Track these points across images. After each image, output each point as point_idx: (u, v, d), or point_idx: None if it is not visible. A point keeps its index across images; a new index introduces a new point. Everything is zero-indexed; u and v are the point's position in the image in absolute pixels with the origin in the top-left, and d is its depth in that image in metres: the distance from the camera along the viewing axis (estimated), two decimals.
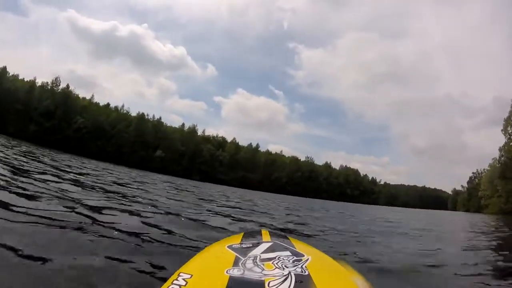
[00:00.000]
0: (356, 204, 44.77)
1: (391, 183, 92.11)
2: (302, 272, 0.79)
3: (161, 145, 54.31)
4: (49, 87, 50.62)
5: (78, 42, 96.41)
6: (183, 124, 62.31)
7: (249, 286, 0.71)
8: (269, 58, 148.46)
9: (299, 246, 1.15)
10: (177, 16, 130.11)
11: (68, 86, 51.53)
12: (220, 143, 64.82)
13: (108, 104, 56.67)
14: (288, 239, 1.27)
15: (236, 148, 64.75)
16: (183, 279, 0.72)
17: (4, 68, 50.22)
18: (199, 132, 62.82)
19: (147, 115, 57.76)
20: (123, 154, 49.65)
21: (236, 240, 1.17)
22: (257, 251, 0.99)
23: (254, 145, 67.38)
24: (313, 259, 0.94)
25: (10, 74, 50.79)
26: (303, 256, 0.96)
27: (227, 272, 0.77)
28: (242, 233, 1.34)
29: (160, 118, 59.24)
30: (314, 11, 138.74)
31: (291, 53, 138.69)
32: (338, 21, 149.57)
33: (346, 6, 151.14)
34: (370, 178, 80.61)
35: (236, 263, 0.86)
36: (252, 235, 1.31)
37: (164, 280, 0.75)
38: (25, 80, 51.31)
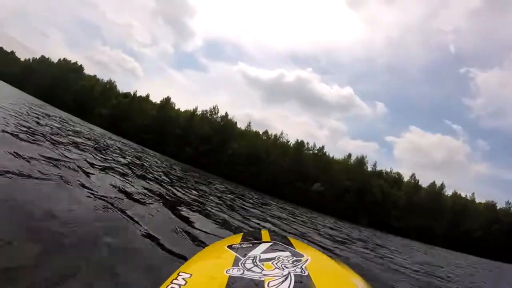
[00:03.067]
0: None
1: None
2: (301, 272, 0.79)
3: (321, 177, 44.32)
4: (208, 114, 51.53)
5: (251, 90, 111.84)
6: (349, 155, 50.19)
7: (248, 286, 0.71)
8: (439, 89, 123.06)
9: (299, 246, 1.15)
10: (339, 58, 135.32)
11: (226, 114, 51.29)
12: (395, 180, 49.05)
13: (266, 132, 52.61)
14: (288, 239, 1.27)
15: (415, 188, 47.87)
16: (183, 278, 0.73)
17: (169, 98, 55.14)
18: (369, 167, 49.03)
19: (307, 143, 50.03)
20: (277, 184, 42.58)
21: (236, 240, 1.18)
22: (257, 251, 0.99)
23: (436, 185, 48.81)
24: (313, 259, 0.93)
25: (176, 107, 55.68)
26: (303, 256, 0.95)
27: (226, 272, 0.77)
28: (242, 233, 1.33)
29: (323, 147, 50.03)
30: (478, 25, 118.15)
31: (463, 79, 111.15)
32: (509, 28, 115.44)
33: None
34: None
35: (235, 263, 0.86)
36: (252, 235, 1.30)
37: (164, 279, 0.74)
38: (188, 109, 55.25)
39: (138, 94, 57.28)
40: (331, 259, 1.03)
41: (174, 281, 0.71)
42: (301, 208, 22.02)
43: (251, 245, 1.08)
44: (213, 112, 52.23)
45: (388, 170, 50.86)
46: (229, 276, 0.75)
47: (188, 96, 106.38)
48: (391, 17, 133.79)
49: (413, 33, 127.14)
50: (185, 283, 0.71)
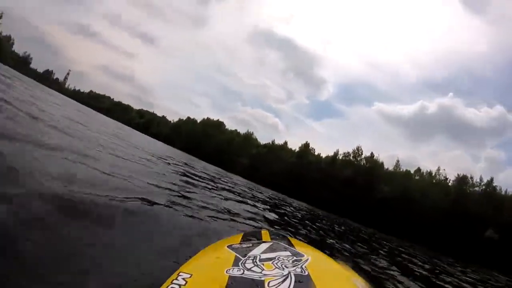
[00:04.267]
0: None
1: None
2: (301, 272, 0.80)
3: (493, 221, 37.99)
4: (351, 157, 50.26)
5: (392, 128, 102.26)
6: None
7: (248, 286, 0.71)
8: None
9: (299, 246, 1.16)
10: (479, 72, 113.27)
11: (372, 154, 48.95)
12: None
13: (418, 169, 47.60)
14: (288, 239, 1.28)
15: None
16: (183, 278, 0.73)
17: (307, 144, 56.66)
18: None
19: (471, 177, 42.75)
20: (437, 233, 37.71)
21: (236, 240, 1.18)
22: (257, 251, 1.00)
23: None
24: (313, 259, 0.94)
25: (315, 152, 56.39)
26: (303, 256, 0.96)
27: (226, 272, 0.78)
28: (242, 233, 1.32)
29: (491, 180, 39.63)
30: None
31: None
32: None
33: None
34: None
35: (235, 263, 0.86)
36: (252, 235, 1.30)
37: (164, 279, 0.74)
38: (328, 155, 54.63)
39: (276, 143, 58.75)
40: (331, 259, 1.05)
41: (174, 281, 0.71)
42: (471, 265, 17.08)
43: (251, 245, 1.08)
44: (356, 154, 48.52)
45: None
46: (229, 276, 0.75)
47: (328, 143, 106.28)
48: None
49: None
50: (185, 283, 0.71)
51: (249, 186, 16.15)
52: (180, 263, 0.91)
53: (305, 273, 0.80)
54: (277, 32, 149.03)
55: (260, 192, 12.91)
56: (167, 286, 0.70)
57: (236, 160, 55.52)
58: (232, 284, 0.71)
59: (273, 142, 60.19)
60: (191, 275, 0.76)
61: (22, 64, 68.02)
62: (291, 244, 1.15)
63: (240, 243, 1.12)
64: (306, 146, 55.88)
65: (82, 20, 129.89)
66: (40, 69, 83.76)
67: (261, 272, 0.79)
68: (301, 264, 0.86)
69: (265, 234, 1.33)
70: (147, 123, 77.61)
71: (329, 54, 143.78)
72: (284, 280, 0.74)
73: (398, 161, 47.69)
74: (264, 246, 1.07)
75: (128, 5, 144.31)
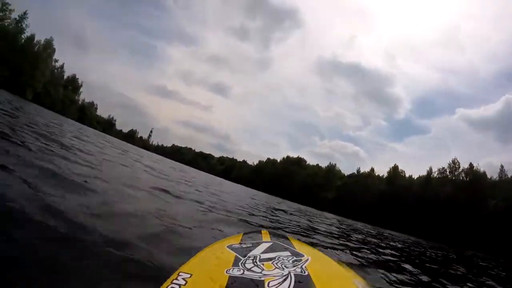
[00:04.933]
0: None
1: None
2: (301, 272, 0.79)
3: None
4: (447, 172, 43.38)
5: (481, 134, 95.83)
6: None
7: (248, 286, 0.71)
8: None
9: (299, 246, 1.15)
10: None
11: (471, 165, 41.51)
12: None
13: None
14: (288, 239, 1.27)
15: None
16: (183, 278, 0.73)
17: (396, 167, 51.02)
18: None
19: None
20: None
21: (236, 240, 1.17)
22: (257, 251, 0.99)
23: None
24: (313, 259, 0.93)
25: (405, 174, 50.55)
26: (303, 256, 0.96)
27: (226, 272, 0.78)
28: (242, 233, 1.32)
29: None
30: None
31: None
32: None
33: None
34: None
35: (235, 263, 0.86)
36: (252, 235, 1.30)
37: (164, 279, 0.74)
38: (420, 175, 48.39)
39: (361, 171, 55.49)
40: (332, 259, 1.03)
41: (174, 281, 0.71)
42: None
43: (251, 245, 1.07)
44: (453, 168, 42.70)
45: None
46: (229, 276, 0.75)
47: (417, 163, 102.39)
48: None
49: None
50: (185, 283, 0.70)
51: (340, 222, 15.06)
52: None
53: (305, 273, 0.79)
54: (342, 58, 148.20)
55: (352, 229, 11.78)
56: (167, 286, 0.69)
57: (321, 195, 52.97)
58: (232, 284, 0.71)
59: (358, 170, 56.56)
60: (191, 275, 0.75)
61: (108, 126, 76.44)
62: (291, 244, 1.14)
63: (240, 243, 1.11)
64: (394, 169, 50.94)
65: (158, 81, 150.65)
66: (125, 130, 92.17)
67: (261, 272, 0.78)
68: (301, 264, 0.86)
69: (265, 234, 1.32)
70: (228, 168, 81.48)
71: (397, 69, 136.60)
72: (284, 280, 0.73)
73: (502, 166, 39.15)
74: (264, 246, 1.06)
75: (195, 63, 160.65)
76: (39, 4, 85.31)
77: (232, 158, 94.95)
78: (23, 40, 45.23)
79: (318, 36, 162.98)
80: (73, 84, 60.75)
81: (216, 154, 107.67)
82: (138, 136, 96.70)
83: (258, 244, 1.09)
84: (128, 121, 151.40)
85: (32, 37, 46.54)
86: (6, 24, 43.21)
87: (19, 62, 42.35)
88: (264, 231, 1.41)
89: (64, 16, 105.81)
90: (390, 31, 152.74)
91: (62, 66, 56.15)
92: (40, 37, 48.15)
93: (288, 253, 0.98)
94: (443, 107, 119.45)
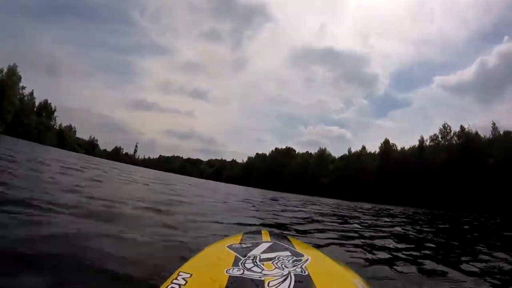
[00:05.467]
0: None
1: None
2: (301, 272, 0.80)
3: None
4: (440, 138, 42.67)
5: (460, 99, 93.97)
6: None
7: (248, 286, 0.71)
8: None
9: (299, 246, 1.15)
10: None
11: (462, 127, 40.81)
12: None
13: None
14: (288, 239, 1.27)
15: None
16: (183, 278, 0.73)
17: (387, 140, 50.05)
18: None
19: None
20: None
21: (236, 240, 1.17)
22: (257, 251, 0.99)
23: None
24: (313, 259, 0.94)
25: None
26: (303, 256, 0.96)
27: (226, 271, 0.78)
28: (242, 233, 1.32)
29: None
30: None
31: None
32: None
33: None
34: None
35: (235, 263, 0.86)
36: (252, 235, 1.30)
37: (164, 279, 0.74)
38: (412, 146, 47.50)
39: (352, 151, 53.60)
40: (331, 259, 1.03)
41: (174, 281, 0.71)
42: None
43: (251, 245, 1.08)
44: (444, 133, 41.36)
45: None
46: (229, 276, 0.75)
47: (404, 136, 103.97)
48: None
49: None
50: (185, 283, 0.71)
51: (344, 206, 14.30)
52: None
53: (305, 273, 0.79)
54: (315, 45, 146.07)
55: (355, 210, 11.09)
56: (167, 286, 0.70)
57: (316, 182, 51.69)
58: (232, 284, 0.71)
59: (349, 151, 54.89)
60: (191, 274, 0.75)
61: (90, 147, 75.76)
62: (291, 244, 1.14)
63: (240, 243, 1.11)
64: (386, 143, 49.63)
65: (137, 96, 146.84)
66: (109, 149, 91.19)
67: (261, 272, 0.78)
68: (301, 264, 0.86)
69: (265, 234, 1.32)
70: (219, 169, 79.49)
71: (370, 48, 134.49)
72: (284, 280, 0.73)
73: (494, 124, 38.81)
74: (264, 246, 1.06)
75: (171, 72, 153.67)
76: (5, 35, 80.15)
77: (221, 159, 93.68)
78: None
79: (288, 28, 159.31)
80: (46, 110, 59.01)
81: (204, 158, 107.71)
82: (123, 152, 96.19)
83: (258, 244, 1.09)
84: (111, 140, 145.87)
85: None
86: None
87: None
88: (264, 231, 1.39)
89: (32, 45, 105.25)
90: (359, 12, 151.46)
91: (31, 93, 53.85)
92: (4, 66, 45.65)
93: (288, 253, 0.98)
94: (420, 77, 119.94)
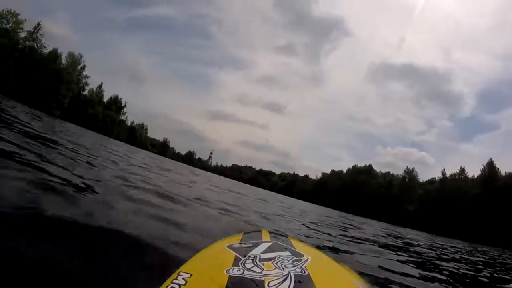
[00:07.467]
0: None
1: None
2: (301, 272, 0.79)
3: None
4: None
5: None
6: None
7: (248, 285, 0.71)
8: None
9: (299, 246, 1.14)
10: None
11: None
12: None
13: None
14: (288, 239, 1.26)
15: None
16: (183, 278, 0.73)
17: (491, 161, 42.42)
18: None
19: None
20: None
21: (236, 240, 1.16)
22: (257, 251, 0.99)
23: None
24: (313, 259, 0.93)
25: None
26: (303, 256, 0.95)
27: (226, 271, 0.77)
28: (242, 233, 1.31)
29: None
30: None
31: None
32: None
33: None
34: None
35: (235, 263, 0.86)
36: (252, 235, 1.29)
37: (164, 279, 0.74)
38: None
39: (438, 177, 47.24)
40: (331, 259, 1.03)
41: (174, 281, 0.71)
42: None
43: (251, 245, 1.07)
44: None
45: None
46: (229, 276, 0.74)
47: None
48: None
49: None
50: (185, 283, 0.70)
51: (459, 248, 11.81)
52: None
53: (305, 273, 0.78)
54: (393, 61, 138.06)
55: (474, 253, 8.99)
56: (167, 286, 0.69)
57: (402, 208, 46.37)
58: (232, 284, 0.70)
59: (443, 173, 47.48)
60: (191, 274, 0.75)
61: (162, 148, 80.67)
62: (291, 244, 1.13)
63: (240, 243, 1.09)
64: (490, 165, 41.64)
65: (214, 106, 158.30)
66: (182, 152, 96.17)
67: (261, 272, 0.78)
68: (301, 264, 0.85)
69: (265, 234, 1.30)
70: (290, 184, 78.35)
71: (453, 63, 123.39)
72: (284, 280, 0.73)
73: None
74: (264, 246, 1.05)
75: (248, 84, 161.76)
76: (95, 47, 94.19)
77: (293, 174, 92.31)
78: (43, 54, 43.88)
79: (365, 42, 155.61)
80: (116, 104, 60.83)
81: (277, 171, 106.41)
82: (196, 157, 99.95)
83: (258, 244, 1.08)
84: (185, 145, 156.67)
85: (54, 51, 45.45)
86: (19, 35, 41.83)
87: (39, 75, 40.78)
88: (264, 231, 1.38)
89: (119, 55, 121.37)
90: (440, 24, 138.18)
91: (100, 86, 56.77)
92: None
93: (288, 253, 0.97)
94: (509, 97, 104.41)
